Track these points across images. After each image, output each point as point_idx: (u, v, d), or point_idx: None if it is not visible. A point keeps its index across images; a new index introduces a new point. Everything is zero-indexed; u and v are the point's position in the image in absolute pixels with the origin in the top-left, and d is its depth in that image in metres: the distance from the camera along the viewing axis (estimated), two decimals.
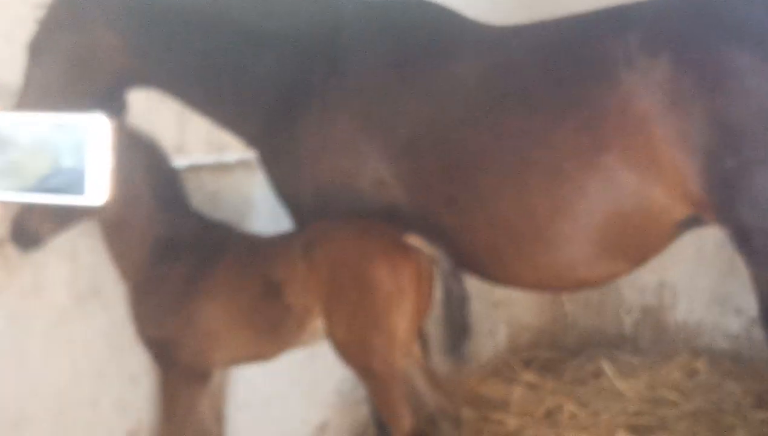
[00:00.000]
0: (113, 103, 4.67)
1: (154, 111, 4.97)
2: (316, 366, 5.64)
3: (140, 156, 4.46)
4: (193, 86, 4.82)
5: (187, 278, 4.49)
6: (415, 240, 4.37)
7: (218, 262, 4.53)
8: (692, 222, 4.35)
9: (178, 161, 5.12)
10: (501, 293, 7.14)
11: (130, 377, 4.85)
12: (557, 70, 4.38)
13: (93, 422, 4.81)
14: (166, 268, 4.50)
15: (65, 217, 4.25)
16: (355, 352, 4.35)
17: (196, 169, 5.25)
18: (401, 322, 4.30)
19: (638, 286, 7.47)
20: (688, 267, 7.21)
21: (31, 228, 4.17)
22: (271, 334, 4.46)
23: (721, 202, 4.12)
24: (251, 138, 4.92)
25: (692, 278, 7.22)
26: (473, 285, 6.69)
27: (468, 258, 4.65)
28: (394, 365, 4.31)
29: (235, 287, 4.48)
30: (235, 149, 5.23)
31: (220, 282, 4.49)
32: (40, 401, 4.60)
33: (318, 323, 4.40)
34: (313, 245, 4.41)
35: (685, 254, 7.08)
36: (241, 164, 5.34)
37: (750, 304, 4.43)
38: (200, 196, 5.16)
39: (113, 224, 4.45)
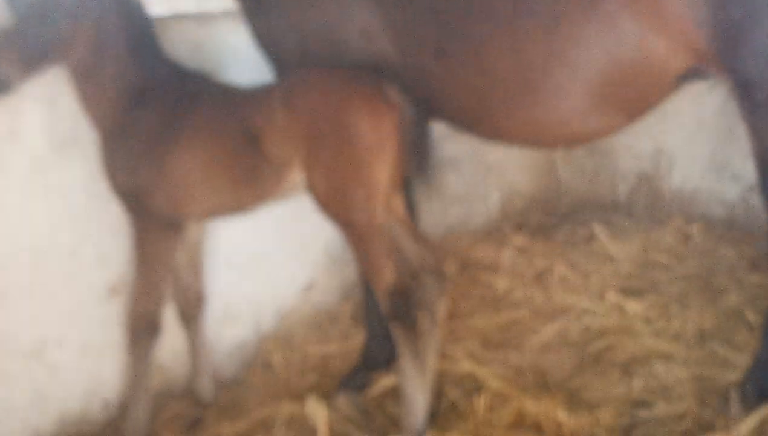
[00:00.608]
0: None
1: None
2: (304, 225, 5.56)
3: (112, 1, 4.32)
4: None
5: (160, 126, 4.37)
6: (394, 91, 4.25)
7: (194, 110, 4.41)
8: (692, 75, 4.22)
9: (161, 9, 4.99)
10: (493, 158, 7.08)
11: (111, 229, 4.74)
12: None
13: (72, 273, 4.74)
14: (138, 115, 4.39)
15: (34, 59, 4.10)
16: (335, 204, 4.25)
17: (179, 18, 5.08)
18: (382, 174, 4.21)
19: (634, 152, 7.36)
20: (685, 134, 7.09)
21: (0, 72, 4.02)
22: (248, 185, 4.35)
23: (724, 53, 4.00)
24: None
25: (689, 145, 7.09)
26: (463, 148, 6.68)
27: (457, 111, 4.54)
28: (375, 217, 4.21)
29: (211, 135, 4.37)
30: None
31: (195, 130, 4.37)
32: (17, 250, 4.52)
33: (297, 175, 4.30)
34: (293, 93, 4.28)
35: (682, 121, 7.00)
36: (226, 14, 5.15)
37: (748, 171, 4.36)
38: (183, 46, 5.01)
39: (83, 68, 4.31)
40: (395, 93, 4.26)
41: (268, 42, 4.76)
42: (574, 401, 4.67)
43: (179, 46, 4.96)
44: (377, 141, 4.18)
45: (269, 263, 5.63)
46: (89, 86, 4.36)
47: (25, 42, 4.04)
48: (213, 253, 5.22)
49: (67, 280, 4.73)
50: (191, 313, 4.87)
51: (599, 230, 6.68)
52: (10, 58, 4.02)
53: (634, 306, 5.53)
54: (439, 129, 5.83)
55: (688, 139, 7.09)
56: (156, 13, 4.91)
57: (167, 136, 4.36)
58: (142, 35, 4.48)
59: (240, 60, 5.23)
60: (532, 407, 4.52)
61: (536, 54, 4.22)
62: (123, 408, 4.82)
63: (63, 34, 4.14)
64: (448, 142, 6.55)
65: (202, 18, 5.21)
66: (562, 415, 4.42)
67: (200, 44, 5.15)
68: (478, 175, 7.07)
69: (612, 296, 5.67)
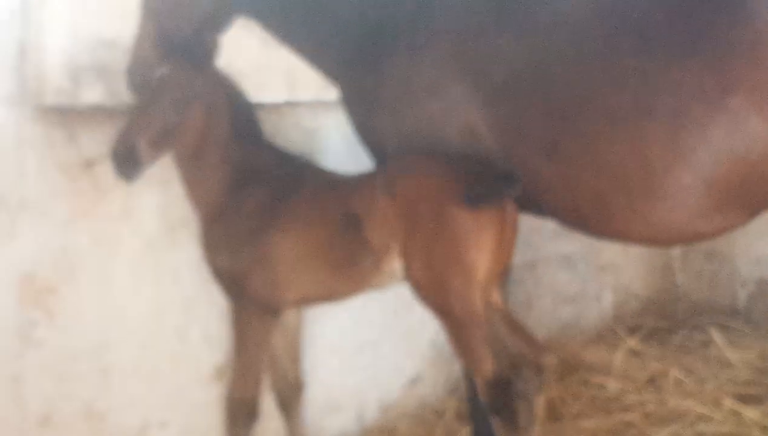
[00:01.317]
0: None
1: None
2: (411, 316, 5.51)
3: (218, 89, 4.41)
4: (283, 19, 4.73)
5: (261, 210, 4.41)
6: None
7: (295, 194, 4.44)
8: None
9: (279, 96, 5.08)
10: (608, 257, 6.96)
11: (220, 311, 4.75)
12: (678, 3, 4.10)
13: (180, 354, 4.78)
14: (240, 199, 4.44)
15: (164, 140, 4.20)
16: (433, 291, 4.20)
17: (294, 105, 5.17)
18: (481, 261, 4.15)
19: (754, 257, 7.14)
20: None
21: (135, 148, 4.11)
22: (347, 271, 4.33)
23: None
24: (332, 74, 4.79)
25: None
26: (578, 246, 6.58)
27: (571, 211, 4.42)
28: (473, 306, 4.15)
29: (312, 220, 4.38)
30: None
31: (296, 215, 4.39)
32: (125, 330, 4.59)
33: (396, 263, 4.27)
34: (394, 178, 4.28)
35: None
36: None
37: None
38: (298, 132, 5.08)
39: (190, 152, 4.39)
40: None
41: (367, 136, 4.75)
42: None
43: (294, 133, 5.02)
44: (476, 229, 4.13)
45: (375, 353, 5.58)
46: (194, 170, 4.45)
47: (159, 122, 4.15)
48: (318, 340, 5.20)
49: (174, 362, 4.76)
50: (289, 400, 4.82)
51: (716, 335, 6.46)
52: (148, 138, 4.14)
53: (751, 413, 5.30)
54: (551, 226, 5.80)
55: None
56: (274, 99, 5.00)
57: (267, 219, 4.39)
58: (246, 120, 4.57)
59: (353, 147, 5.24)
60: None
61: (658, 154, 4.08)
62: None
63: (185, 117, 4.25)
64: (561, 239, 6.47)
65: (318, 105, 5.25)
66: None
67: (314, 131, 5.20)
68: (592, 275, 6.93)
69: (728, 402, 5.44)
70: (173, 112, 4.21)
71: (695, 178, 4.06)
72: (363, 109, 4.70)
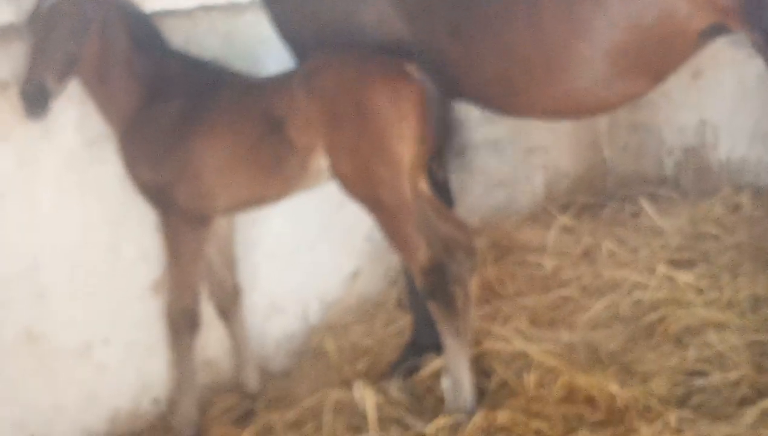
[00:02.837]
0: None
1: None
2: (346, 213, 5.49)
3: (108, 5, 4.31)
4: None
5: (180, 119, 4.37)
6: (414, 68, 4.23)
7: (213, 100, 4.41)
8: (716, 31, 4.14)
9: (191, 2, 4.99)
10: (537, 139, 7.00)
11: (151, 224, 4.70)
12: None
13: (115, 271, 4.74)
14: (155, 110, 4.39)
15: (66, 69, 4.11)
16: (361, 184, 4.24)
17: (208, 9, 5.07)
18: (405, 149, 4.19)
19: (678, 126, 7.22)
20: (728, 104, 6.95)
21: (44, 85, 4.02)
22: (274, 174, 4.34)
23: (748, 7, 3.91)
24: None
25: (734, 115, 6.94)
26: (506, 131, 6.62)
27: (478, 90, 4.50)
28: (402, 195, 4.19)
29: (234, 124, 4.36)
30: None
31: (216, 121, 4.37)
32: (57, 250, 4.54)
33: (322, 161, 4.29)
34: (312, 76, 4.28)
35: (725, 91, 6.88)
36: (254, 4, 5.11)
37: None
38: (213, 37, 5.01)
39: (94, 74, 4.31)
40: (415, 70, 4.23)
41: (287, 32, 4.77)
42: (627, 374, 4.61)
43: (209, 38, 4.95)
44: (398, 118, 4.17)
45: (312, 252, 5.60)
46: (102, 90, 4.38)
47: (61, 54, 4.06)
48: (256, 245, 5.21)
49: (109, 279, 4.73)
50: (229, 306, 4.85)
51: (646, 204, 6.56)
52: (53, 72, 4.05)
53: (685, 277, 5.43)
54: (477, 113, 5.82)
55: (732, 109, 6.95)
56: (185, 5, 4.92)
57: (188, 127, 4.36)
58: (146, 31, 4.48)
59: (270, 50, 5.19)
60: (584, 381, 4.44)
61: (556, 28, 4.16)
62: (172, 404, 4.81)
63: (84, 43, 4.16)
64: (489, 124, 6.50)
65: (231, 8, 5.17)
66: (614, 387, 4.34)
67: (230, 35, 5.12)
68: (521, 157, 6.98)
69: (662, 269, 5.55)
70: (72, 41, 4.11)
71: (593, 48, 4.14)
72: (282, 7, 4.70)
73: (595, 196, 7.24)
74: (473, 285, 4.61)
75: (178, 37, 4.77)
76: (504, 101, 4.49)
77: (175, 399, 4.72)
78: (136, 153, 4.39)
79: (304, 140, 4.26)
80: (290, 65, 4.82)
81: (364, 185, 4.25)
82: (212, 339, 4.94)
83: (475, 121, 6.44)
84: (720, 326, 4.91)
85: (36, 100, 3.99)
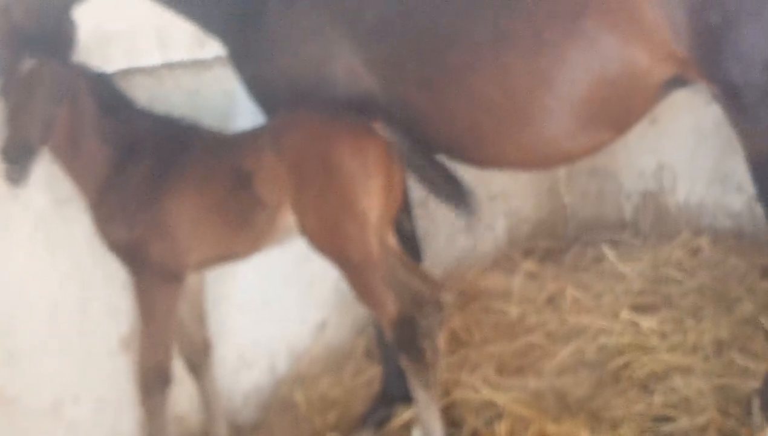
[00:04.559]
0: None
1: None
2: (313, 265, 5.52)
3: (76, 72, 4.33)
4: None
5: (150, 177, 4.39)
6: (380, 126, 4.29)
7: (183, 158, 4.43)
8: (677, 82, 4.24)
9: (154, 59, 5.03)
10: (498, 185, 7.08)
11: (120, 280, 4.71)
12: None
13: (85, 328, 4.72)
14: (127, 171, 4.39)
15: (47, 130, 4.13)
16: (328, 241, 4.28)
17: (172, 67, 5.11)
18: (372, 205, 4.23)
19: (637, 170, 7.36)
20: (686, 148, 7.09)
21: (30, 147, 4.03)
22: (243, 230, 4.37)
23: (706, 59, 4.01)
24: (220, 33, 4.81)
25: (691, 159, 7.08)
26: (468, 179, 6.67)
27: (448, 142, 4.57)
28: (369, 251, 4.23)
29: (203, 181, 4.39)
30: (213, 45, 5.07)
31: (186, 178, 4.39)
32: (27, 310, 4.51)
33: (289, 218, 4.32)
34: (279, 131, 4.33)
35: (682, 135, 7.01)
36: (219, 60, 5.17)
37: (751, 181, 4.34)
38: (178, 94, 5.04)
39: (64, 142, 4.31)
40: (381, 127, 4.28)
41: (256, 88, 4.79)
42: (596, 420, 4.66)
43: (174, 95, 4.99)
44: (364, 175, 4.21)
45: (280, 305, 5.62)
46: (73, 157, 4.37)
47: (42, 117, 4.09)
48: (224, 300, 5.22)
49: (79, 336, 4.71)
50: (199, 362, 4.85)
51: (608, 250, 6.66)
52: (37, 134, 4.07)
53: (648, 322, 5.51)
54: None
55: (690, 153, 7.09)
56: (149, 63, 4.96)
57: (158, 185, 4.38)
58: (111, 95, 4.49)
59: (236, 104, 5.23)
60: (554, 429, 4.50)
61: (520, 79, 4.24)
62: None
63: (59, 109, 4.19)
64: None
65: (196, 65, 5.22)
66: (584, 435, 4.38)
67: (195, 91, 5.16)
68: (483, 204, 7.03)
69: (626, 314, 5.64)
70: (53, 105, 4.13)
71: (557, 101, 4.22)
72: (249, 62, 4.74)
73: (556, 241, 7.34)
74: (441, 338, 4.64)
75: (143, 94, 4.80)
76: (474, 153, 4.55)
77: None
78: (109, 213, 4.39)
79: (272, 197, 4.30)
80: (257, 119, 4.87)
81: (331, 242, 4.29)
82: (182, 395, 4.92)
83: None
84: (685, 371, 4.98)
85: (19, 161, 3.99)
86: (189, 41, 5.34)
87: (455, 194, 4.39)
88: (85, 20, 4.55)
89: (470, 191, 4.42)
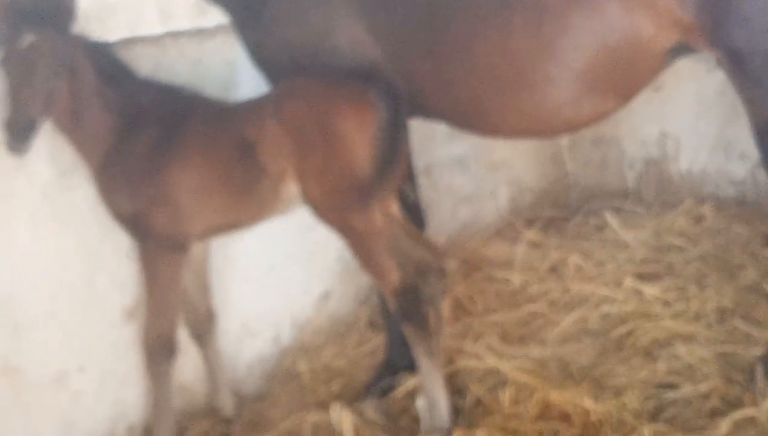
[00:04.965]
0: None
1: None
2: (316, 235, 5.52)
3: (75, 42, 4.29)
4: None
5: (155, 147, 4.40)
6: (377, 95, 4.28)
7: (186, 127, 4.44)
8: (681, 50, 4.23)
9: (157, 29, 5.01)
10: (500, 154, 7.08)
11: (124, 251, 4.72)
12: None
13: (89, 300, 4.73)
14: (130, 140, 4.40)
15: (50, 103, 4.12)
16: (330, 209, 4.29)
17: (175, 35, 5.09)
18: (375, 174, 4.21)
19: (639, 139, 7.34)
20: (689, 116, 7.07)
21: (33, 120, 4.03)
22: (247, 199, 4.38)
23: (711, 25, 4.00)
24: (224, 3, 4.78)
25: (694, 127, 7.07)
26: (470, 147, 6.68)
27: (451, 111, 4.58)
28: (372, 219, 4.24)
29: (206, 150, 4.40)
30: (215, 14, 5.05)
31: (190, 147, 4.40)
32: (32, 281, 4.52)
33: (293, 187, 4.33)
34: (281, 102, 4.33)
35: (685, 103, 6.99)
36: (221, 29, 5.14)
37: (754, 149, 4.34)
38: (181, 63, 5.03)
39: (67, 113, 4.30)
40: (380, 96, 4.28)
41: (261, 57, 4.79)
42: (600, 388, 4.66)
43: (177, 64, 4.97)
44: (366, 143, 4.21)
45: (284, 275, 5.63)
46: (76, 128, 4.37)
47: (45, 90, 4.08)
48: (227, 269, 5.23)
49: (84, 307, 4.72)
50: (203, 331, 4.88)
51: (611, 218, 6.65)
52: (40, 107, 4.06)
53: (651, 290, 5.51)
54: (443, 130, 5.88)
55: (693, 121, 7.07)
56: (152, 32, 4.94)
57: (162, 155, 4.38)
58: (112, 66, 4.49)
59: (239, 75, 5.22)
60: (558, 397, 4.50)
61: (524, 47, 4.23)
62: (148, 431, 4.82)
63: (60, 81, 4.17)
64: (454, 142, 6.57)
65: (199, 34, 5.19)
66: (588, 402, 4.41)
67: (198, 60, 5.14)
68: (486, 173, 7.05)
69: (629, 282, 5.65)
70: (54, 78, 4.11)
71: (560, 68, 4.21)
72: (254, 31, 4.73)
73: (559, 210, 7.33)
74: (445, 306, 4.66)
75: (147, 64, 4.80)
76: (475, 120, 4.56)
77: (151, 426, 4.72)
78: (113, 183, 4.40)
79: (275, 166, 4.30)
80: (260, 88, 4.86)
81: (333, 211, 4.29)
82: (186, 364, 4.94)
83: (440, 140, 6.51)
84: (688, 339, 4.99)
85: (22, 134, 3.99)
86: (191, 9, 5.29)
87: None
88: None
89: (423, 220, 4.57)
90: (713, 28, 4.00)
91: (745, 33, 3.95)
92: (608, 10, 4.07)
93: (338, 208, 4.26)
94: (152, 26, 5.05)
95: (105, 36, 4.60)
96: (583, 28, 4.11)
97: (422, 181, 5.46)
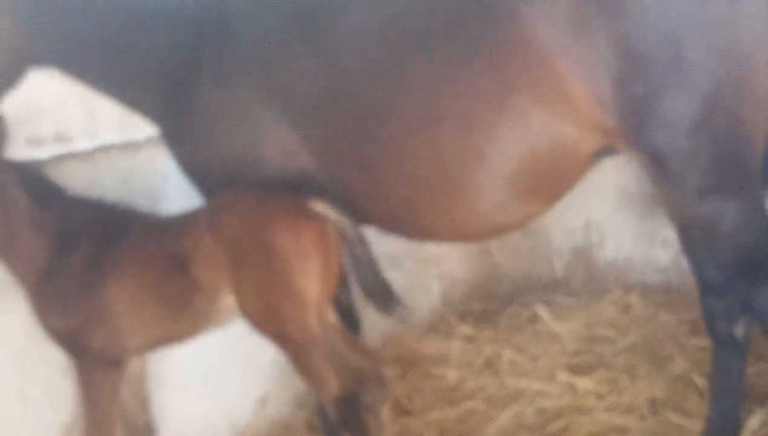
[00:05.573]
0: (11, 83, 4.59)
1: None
2: (251, 339, 5.52)
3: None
4: (88, 65, 4.75)
5: (89, 264, 4.40)
6: (317, 205, 4.34)
7: (120, 243, 4.45)
8: (606, 152, 4.34)
9: (86, 143, 5.04)
10: (431, 249, 7.14)
11: (59, 368, 4.69)
12: (455, 13, 4.27)
13: (23, 416, 4.69)
14: (64, 258, 4.41)
15: None
16: (267, 320, 4.32)
17: (105, 149, 5.12)
18: (310, 285, 4.27)
19: (565, 228, 7.47)
20: (612, 205, 7.24)
21: None
22: (183, 313, 4.39)
23: (633, 129, 4.09)
24: (153, 115, 4.84)
25: (617, 215, 7.24)
26: (401, 244, 6.74)
27: (384, 217, 4.64)
28: (309, 330, 4.28)
29: (140, 265, 4.41)
30: (144, 127, 5.11)
31: (123, 262, 4.41)
32: None
33: (229, 299, 4.35)
34: (216, 215, 4.36)
35: (608, 192, 7.15)
36: (151, 141, 5.19)
37: (675, 236, 4.45)
38: (112, 177, 5.05)
39: (0, 242, 4.34)
40: (320, 206, 4.34)
41: (191, 168, 4.82)
42: None
43: (109, 178, 5.00)
44: (301, 255, 4.25)
45: (220, 381, 5.61)
46: (8, 250, 4.39)
47: None
48: (163, 379, 5.20)
49: (18, 424, 4.66)
50: None
51: (541, 310, 6.74)
52: None
53: (584, 383, 5.60)
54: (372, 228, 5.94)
55: (615, 210, 7.24)
56: (84, 147, 4.98)
57: (97, 273, 4.39)
58: (41, 186, 4.52)
59: (170, 186, 5.26)
60: None
61: (453, 156, 4.31)
62: None
63: None
64: (384, 239, 6.62)
65: (129, 147, 5.23)
66: None
67: (129, 173, 5.18)
68: (418, 268, 7.12)
69: (562, 376, 5.73)
70: None
71: (490, 176, 4.30)
72: (183, 145, 4.77)
73: (490, 302, 7.39)
74: (385, 413, 4.68)
75: (79, 179, 4.83)
76: (408, 227, 4.64)
77: None
78: (48, 302, 4.39)
79: (210, 279, 4.32)
80: (192, 198, 4.90)
81: (271, 322, 4.32)
82: None
83: (371, 238, 6.56)
84: (622, 431, 5.07)
85: None
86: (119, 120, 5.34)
87: (380, 295, 4.51)
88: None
89: (398, 300, 4.58)
90: (635, 132, 4.09)
91: (665, 136, 4.03)
92: (534, 117, 4.14)
93: (275, 320, 4.29)
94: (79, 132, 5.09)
95: (33, 139, 4.63)
96: (511, 135, 4.19)
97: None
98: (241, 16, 4.68)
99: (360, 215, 4.65)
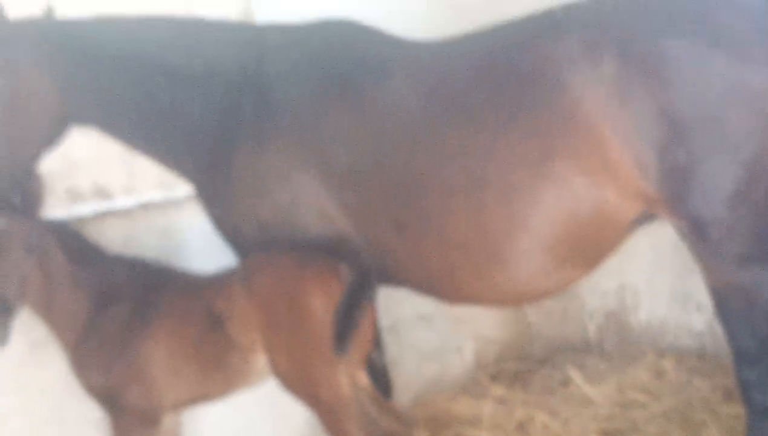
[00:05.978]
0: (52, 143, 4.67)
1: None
2: (285, 398, 5.54)
3: (42, 227, 4.43)
4: (126, 126, 4.81)
5: (127, 323, 4.49)
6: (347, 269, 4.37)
7: (158, 302, 4.53)
8: (645, 218, 4.35)
9: (128, 201, 5.10)
10: (464, 309, 7.10)
11: (94, 423, 4.72)
12: (498, 81, 4.34)
13: None
14: (103, 317, 4.49)
15: (22, 286, 4.23)
16: (299, 382, 4.36)
17: (144, 207, 5.19)
18: None
19: (599, 291, 7.45)
20: (646, 268, 7.22)
21: (2, 296, 4.13)
22: (217, 372, 4.45)
23: (674, 196, 4.11)
24: (189, 176, 4.88)
25: (652, 279, 7.21)
26: (434, 304, 6.74)
27: (421, 281, 4.64)
28: (340, 392, 4.30)
29: (176, 324, 4.48)
30: (183, 185, 5.17)
31: (162, 322, 4.48)
32: None
33: (263, 359, 4.40)
34: (250, 274, 4.42)
35: (642, 255, 7.11)
36: (190, 199, 5.25)
37: (709, 300, 4.43)
38: (151, 234, 5.11)
39: (39, 295, 4.42)
40: (348, 270, 4.37)
41: (228, 233, 4.86)
42: None
43: (147, 235, 5.06)
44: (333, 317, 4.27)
45: None
46: (49, 309, 4.48)
47: (17, 274, 4.20)
48: (196, 435, 5.21)
49: None
50: None
51: (574, 373, 6.71)
52: (9, 289, 4.18)
53: None
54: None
55: (650, 273, 7.21)
56: (123, 205, 5.04)
57: (133, 330, 4.46)
58: (80, 245, 4.62)
59: (208, 244, 5.30)
60: None
61: (495, 222, 4.33)
62: None
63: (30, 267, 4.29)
64: (417, 298, 6.62)
65: (168, 205, 5.30)
66: None
67: (167, 231, 5.23)
68: (450, 328, 7.12)
69: None
70: (25, 262, 4.22)
71: (532, 241, 4.31)
72: (220, 208, 4.80)
73: (523, 363, 7.37)
74: None
75: (118, 235, 4.90)
76: (449, 292, 4.65)
77: None
78: (86, 359, 4.47)
79: (244, 339, 4.37)
80: (230, 256, 4.94)
81: (302, 384, 4.35)
82: None
83: (404, 297, 6.58)
84: None
85: (1, 319, 4.06)
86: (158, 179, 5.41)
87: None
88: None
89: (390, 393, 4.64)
90: (675, 199, 4.11)
91: (706, 204, 4.04)
92: (576, 184, 4.17)
93: (306, 382, 4.31)
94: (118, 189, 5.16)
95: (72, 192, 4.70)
96: (552, 202, 4.22)
97: (387, 338, 5.52)
98: (279, 80, 4.73)
99: (396, 278, 4.67)
